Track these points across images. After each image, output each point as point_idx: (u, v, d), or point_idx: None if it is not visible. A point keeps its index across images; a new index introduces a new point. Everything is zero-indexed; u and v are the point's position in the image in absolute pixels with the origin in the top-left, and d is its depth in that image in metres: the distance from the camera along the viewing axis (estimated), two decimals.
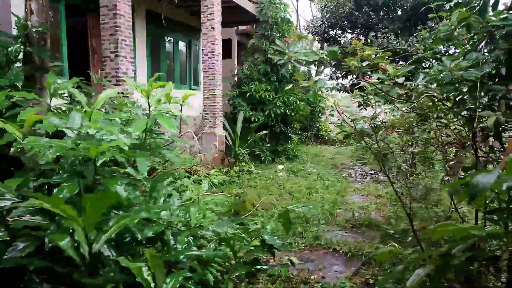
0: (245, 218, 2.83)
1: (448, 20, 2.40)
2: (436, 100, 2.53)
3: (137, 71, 9.72)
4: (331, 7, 11.69)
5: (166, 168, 5.52)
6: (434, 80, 2.34)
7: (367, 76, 3.58)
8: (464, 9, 3.03)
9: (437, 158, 5.64)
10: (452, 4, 3.24)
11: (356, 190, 7.92)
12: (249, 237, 2.44)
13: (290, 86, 3.29)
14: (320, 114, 14.95)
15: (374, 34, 10.16)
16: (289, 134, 11.31)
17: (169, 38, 11.23)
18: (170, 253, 2.38)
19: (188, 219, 2.60)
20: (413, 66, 2.71)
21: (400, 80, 2.82)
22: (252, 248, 2.40)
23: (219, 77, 9.08)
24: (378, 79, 2.83)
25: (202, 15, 8.86)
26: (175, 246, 2.44)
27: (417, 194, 6.08)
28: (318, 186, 7.82)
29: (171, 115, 2.99)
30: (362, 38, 12.12)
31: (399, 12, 11.21)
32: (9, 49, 2.91)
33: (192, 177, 5.46)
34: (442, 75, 2.07)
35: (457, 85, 2.23)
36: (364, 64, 3.56)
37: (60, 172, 2.09)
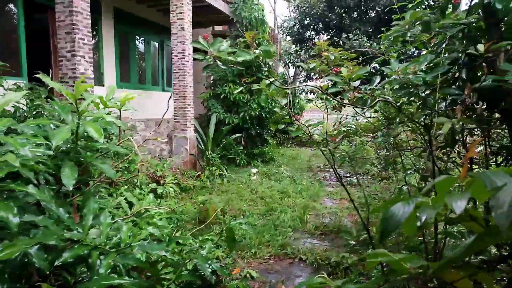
0: (183, 237, 2.56)
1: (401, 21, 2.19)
2: (390, 105, 2.32)
3: (104, 71, 9.33)
4: (304, 8, 11.52)
5: (126, 177, 5.20)
6: (389, 84, 2.13)
7: (319, 78, 3.39)
8: (422, 8, 2.84)
9: (408, 163, 5.50)
10: (413, 3, 3.05)
11: (329, 194, 7.75)
12: (184, 258, 2.18)
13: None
14: (298, 115, 14.79)
15: (346, 36, 10.03)
16: (265, 137, 11.09)
17: (140, 38, 10.87)
18: (92, 278, 2.10)
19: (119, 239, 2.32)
20: (368, 69, 2.50)
21: (356, 83, 2.61)
22: (184, 274, 2.13)
23: (190, 78, 8.78)
24: (332, 82, 2.61)
25: (171, 15, 8.54)
26: (99, 270, 2.16)
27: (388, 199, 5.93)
28: (291, 190, 7.61)
29: (107, 121, 2.70)
30: (325, 38, 12.11)
31: (372, 14, 11.13)
32: None
33: (152, 184, 5.14)
34: (391, 78, 1.86)
35: (412, 90, 2.02)
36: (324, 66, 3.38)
37: None
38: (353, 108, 3.07)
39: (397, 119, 3.09)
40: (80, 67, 5.90)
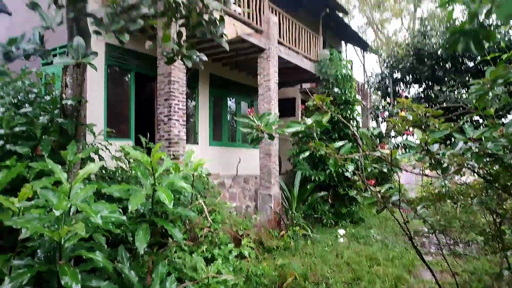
0: None
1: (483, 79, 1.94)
2: (476, 174, 1.99)
3: (199, 130, 10.13)
4: (392, 61, 11.18)
5: (210, 231, 5.34)
6: (465, 152, 1.85)
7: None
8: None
9: None
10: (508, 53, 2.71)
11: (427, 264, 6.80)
12: None
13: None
14: (392, 173, 13.82)
15: (439, 88, 9.30)
16: (353, 195, 10.51)
17: (232, 98, 11.69)
18: None
19: None
20: (449, 131, 2.22)
21: (434, 147, 2.33)
22: None
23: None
24: (404, 146, 2.38)
25: (258, 77, 9.08)
26: None
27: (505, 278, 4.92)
28: (381, 257, 6.90)
29: (180, 186, 2.84)
30: (415, 91, 11.24)
31: (470, 64, 10.23)
32: (39, 121, 3.12)
33: (230, 245, 5.16)
34: (465, 146, 1.60)
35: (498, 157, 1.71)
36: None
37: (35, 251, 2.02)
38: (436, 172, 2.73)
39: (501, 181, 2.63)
40: (174, 130, 6.51)
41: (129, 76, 8.28)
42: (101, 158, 3.95)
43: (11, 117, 3.12)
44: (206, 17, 3.30)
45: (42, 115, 3.33)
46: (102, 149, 4.25)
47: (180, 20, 3.43)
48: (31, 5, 2.57)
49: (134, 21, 2.45)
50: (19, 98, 3.72)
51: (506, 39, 9.49)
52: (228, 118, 11.50)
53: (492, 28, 3.10)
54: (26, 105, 3.63)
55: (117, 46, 7.67)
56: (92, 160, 3.96)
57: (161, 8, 3.30)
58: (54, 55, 7.39)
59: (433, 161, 2.27)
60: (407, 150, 2.33)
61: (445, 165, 2.19)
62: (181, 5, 3.24)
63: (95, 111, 7.10)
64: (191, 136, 9.83)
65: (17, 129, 3.23)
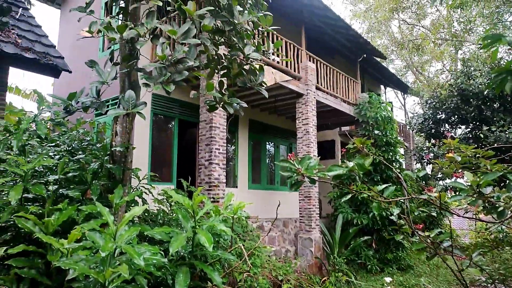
0: None
1: None
2: None
3: (238, 174, 10.24)
4: (434, 103, 10.89)
5: (249, 275, 5.23)
6: None
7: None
8: None
9: None
10: None
11: None
12: None
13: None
14: (441, 217, 12.97)
15: (488, 128, 8.85)
16: (400, 240, 9.92)
17: (271, 142, 11.83)
18: None
19: None
20: (502, 172, 2.11)
21: (487, 190, 2.20)
22: None
23: None
24: (453, 189, 2.27)
25: (297, 121, 9.19)
26: None
27: None
28: None
29: (221, 229, 2.85)
30: (462, 132, 10.72)
31: None
32: (90, 167, 3.33)
33: None
34: None
35: None
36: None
37: None
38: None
39: None
40: (214, 173, 6.65)
41: (173, 123, 8.70)
42: (144, 202, 4.09)
43: (65, 164, 3.36)
44: (246, 67, 3.48)
45: (93, 161, 3.56)
46: (146, 193, 4.42)
47: (222, 70, 3.64)
48: (90, 63, 2.86)
49: (180, 73, 2.63)
50: (74, 145, 4.02)
51: None
52: (267, 162, 11.58)
53: None
54: (80, 152, 3.90)
55: (163, 95, 8.17)
56: (136, 203, 4.11)
57: (204, 61, 3.54)
58: (107, 107, 8.01)
59: (487, 205, 2.14)
60: (457, 193, 2.22)
61: (501, 208, 2.05)
62: (223, 57, 3.45)
63: (141, 156, 7.46)
64: (231, 179, 9.94)
65: (70, 174, 3.46)
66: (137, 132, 6.29)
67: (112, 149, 3.58)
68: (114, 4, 3.95)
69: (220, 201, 6.62)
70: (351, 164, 1.96)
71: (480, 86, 10.17)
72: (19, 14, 5.98)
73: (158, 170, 7.89)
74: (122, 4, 3.88)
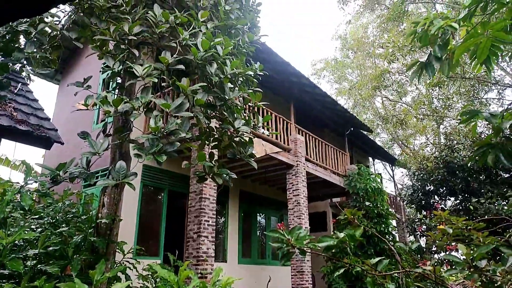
0: None
1: None
2: None
3: (228, 247, 9.85)
4: (422, 174, 11.12)
5: None
6: None
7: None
8: None
9: None
10: None
11: None
12: None
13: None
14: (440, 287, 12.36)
15: (477, 200, 8.94)
16: None
17: (261, 214, 11.62)
18: None
19: None
20: (494, 245, 2.08)
21: (482, 263, 2.15)
22: None
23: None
24: (449, 263, 2.21)
25: (287, 192, 9.16)
26: None
27: None
28: None
29: None
30: (451, 204, 10.83)
31: (505, 175, 9.99)
32: (72, 240, 3.19)
33: None
34: None
35: None
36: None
37: None
38: None
39: None
40: (203, 247, 6.40)
41: (162, 194, 8.58)
42: (128, 278, 3.85)
43: (47, 237, 3.22)
44: (237, 139, 3.57)
45: (77, 234, 3.42)
46: (130, 268, 4.18)
47: (213, 142, 3.71)
48: (82, 135, 2.91)
49: (171, 144, 2.68)
50: (58, 218, 3.89)
51: None
52: (258, 234, 11.25)
53: None
54: (63, 225, 3.77)
55: (153, 166, 8.17)
56: (119, 279, 3.87)
57: (197, 133, 3.63)
58: (96, 178, 7.92)
59: (484, 279, 2.07)
60: (453, 266, 2.16)
61: (498, 283, 1.99)
62: (214, 129, 3.55)
63: (128, 228, 7.20)
64: (220, 253, 9.54)
65: (51, 248, 3.30)
66: (125, 204, 6.15)
67: (98, 221, 3.48)
68: (111, 80, 4.14)
69: (208, 277, 6.27)
70: (341, 235, 1.92)
71: (464, 158, 10.49)
72: (17, 88, 6.19)
73: (145, 242, 7.57)
74: (119, 80, 4.07)
